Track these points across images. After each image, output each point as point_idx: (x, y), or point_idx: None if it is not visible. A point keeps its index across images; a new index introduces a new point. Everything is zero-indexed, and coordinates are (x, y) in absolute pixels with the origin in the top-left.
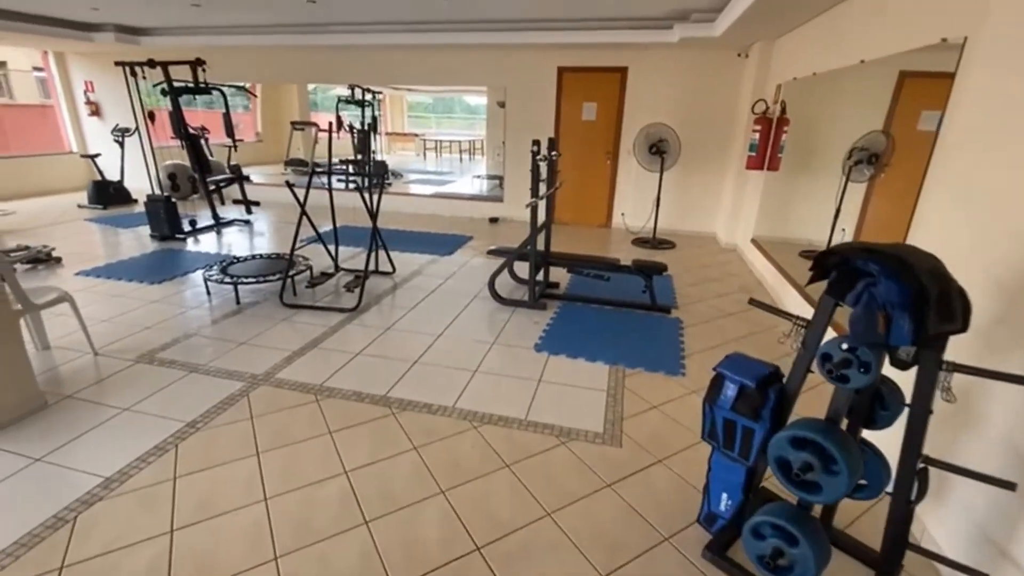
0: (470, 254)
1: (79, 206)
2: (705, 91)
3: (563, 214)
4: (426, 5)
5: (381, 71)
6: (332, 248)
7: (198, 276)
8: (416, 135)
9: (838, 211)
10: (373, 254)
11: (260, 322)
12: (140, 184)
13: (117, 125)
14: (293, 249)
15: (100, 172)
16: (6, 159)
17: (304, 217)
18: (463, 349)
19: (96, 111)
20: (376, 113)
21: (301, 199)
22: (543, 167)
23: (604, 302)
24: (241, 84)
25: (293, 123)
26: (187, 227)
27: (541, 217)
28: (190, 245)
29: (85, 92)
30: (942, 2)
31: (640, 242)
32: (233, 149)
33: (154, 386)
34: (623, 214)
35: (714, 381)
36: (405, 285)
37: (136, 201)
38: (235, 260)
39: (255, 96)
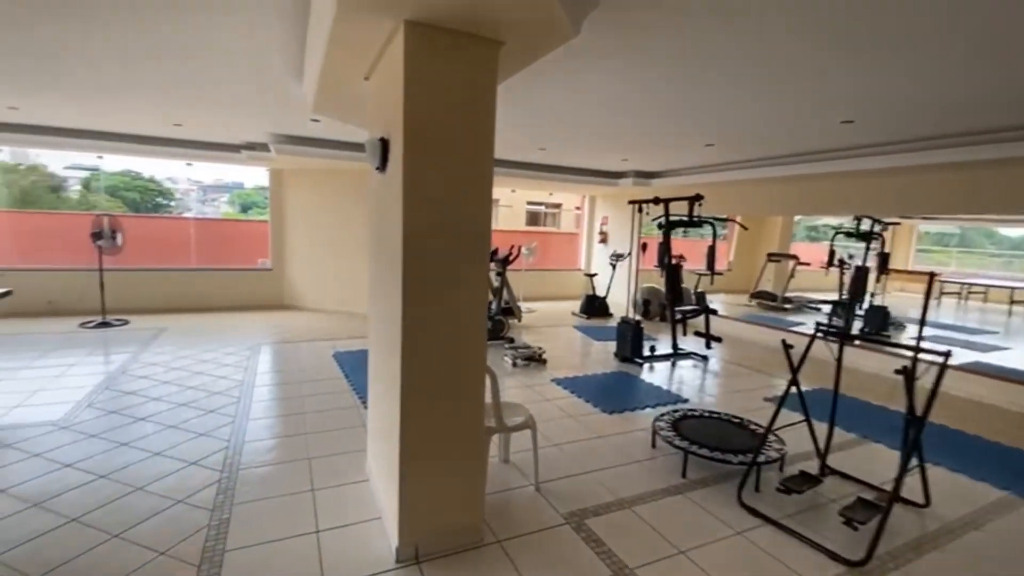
0: None
1: (572, 313)
2: None
3: None
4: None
5: (898, 199)
6: (821, 431)
7: (646, 416)
8: (928, 273)
9: None
10: (908, 471)
11: (704, 521)
12: (618, 301)
13: (614, 252)
14: (770, 428)
15: (593, 288)
16: (545, 271)
17: (795, 386)
18: None
19: (604, 239)
20: (886, 249)
21: (796, 360)
22: None
23: None
24: (725, 217)
25: (770, 254)
26: (647, 351)
27: None
28: (644, 372)
29: (601, 225)
30: None
31: None
32: (710, 279)
33: None
34: None
35: None
36: (952, 543)
37: (611, 316)
38: (687, 414)
39: (745, 228)
